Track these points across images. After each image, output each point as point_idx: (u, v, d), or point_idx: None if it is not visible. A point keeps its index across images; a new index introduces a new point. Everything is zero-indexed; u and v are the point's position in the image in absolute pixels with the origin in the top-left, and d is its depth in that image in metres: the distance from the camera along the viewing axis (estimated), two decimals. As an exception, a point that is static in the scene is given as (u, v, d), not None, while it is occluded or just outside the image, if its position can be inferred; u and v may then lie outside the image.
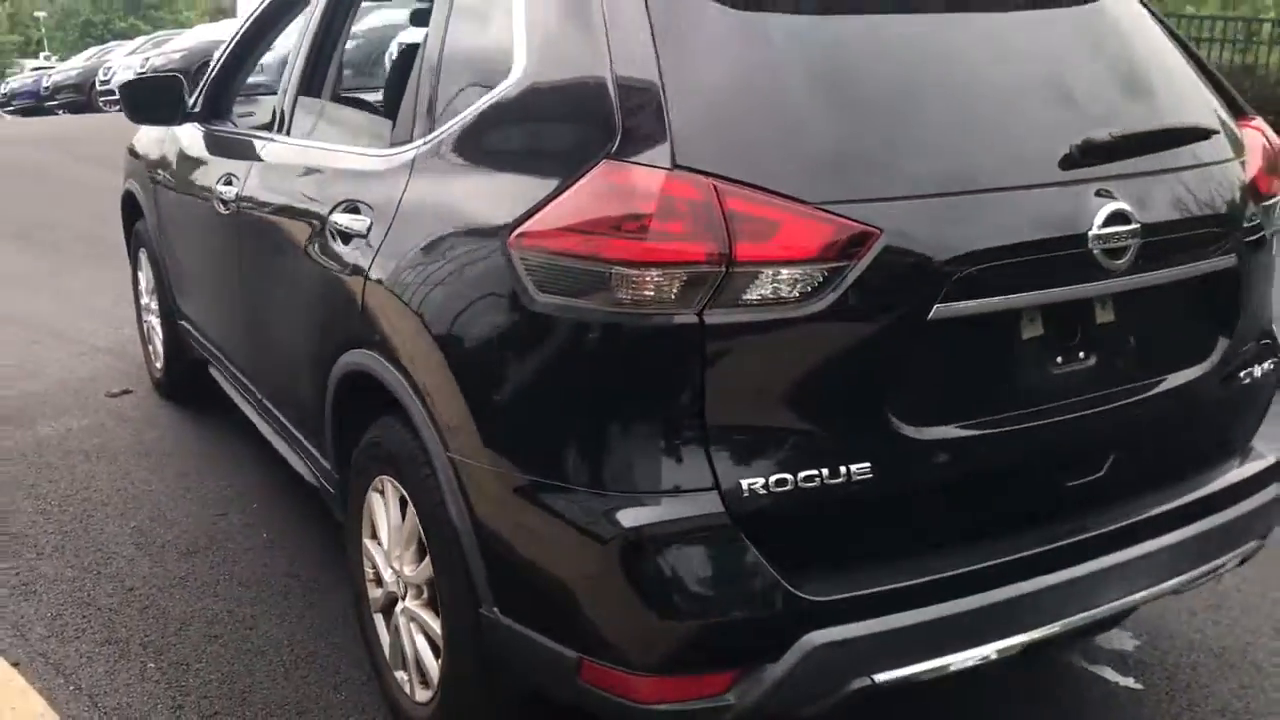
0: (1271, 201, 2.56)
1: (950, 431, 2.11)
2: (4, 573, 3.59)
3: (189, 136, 4.23)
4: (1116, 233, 2.16)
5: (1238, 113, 2.63)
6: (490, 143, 2.36)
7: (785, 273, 1.94)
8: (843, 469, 2.02)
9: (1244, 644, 3.16)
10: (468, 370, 2.25)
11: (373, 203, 2.67)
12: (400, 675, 2.73)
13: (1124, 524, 2.30)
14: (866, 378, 2.03)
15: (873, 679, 2.05)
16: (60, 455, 4.53)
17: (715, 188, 1.93)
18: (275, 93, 3.63)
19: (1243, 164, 2.49)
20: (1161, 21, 2.66)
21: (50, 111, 23.45)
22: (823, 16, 2.18)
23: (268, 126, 3.61)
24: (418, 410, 2.38)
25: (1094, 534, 2.26)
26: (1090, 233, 2.14)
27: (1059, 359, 2.24)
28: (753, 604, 1.99)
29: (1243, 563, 2.61)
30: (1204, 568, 2.44)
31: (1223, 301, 2.48)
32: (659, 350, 1.96)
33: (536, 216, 2.07)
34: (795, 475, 2.00)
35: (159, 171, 4.59)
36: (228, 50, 4.17)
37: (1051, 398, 2.23)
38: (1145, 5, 2.64)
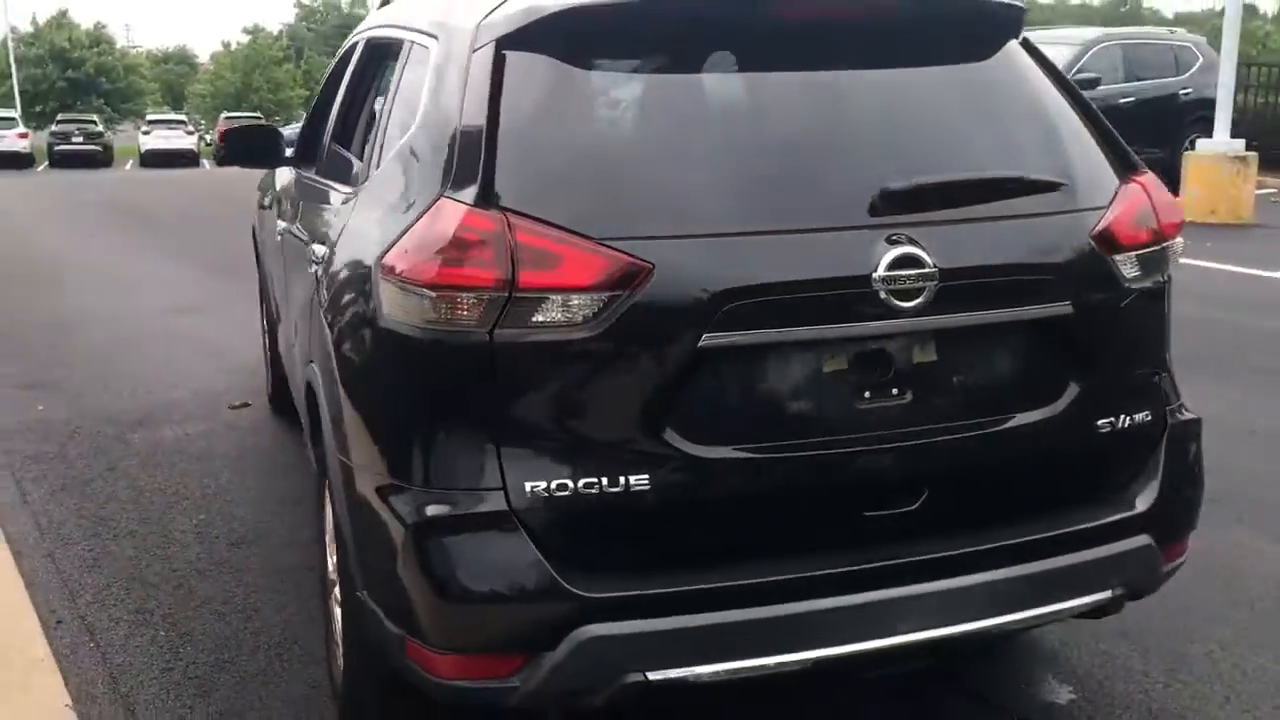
0: (1144, 251, 2.58)
1: (732, 452, 2.27)
2: (82, 547, 4.17)
3: (281, 179, 4.80)
4: (904, 275, 2.27)
5: (1128, 167, 2.67)
6: (387, 183, 2.71)
7: (566, 299, 2.18)
8: (621, 479, 2.22)
9: (1186, 709, 3.08)
10: (349, 382, 2.59)
11: (329, 235, 3.06)
12: (336, 651, 3.06)
13: (936, 556, 2.37)
14: (645, 397, 2.23)
15: (646, 676, 2.23)
16: (169, 455, 5.16)
17: (508, 222, 2.20)
18: None
19: (1100, 215, 2.53)
20: (1060, 80, 2.73)
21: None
22: (635, 76, 2.43)
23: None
24: (325, 418, 2.73)
25: (898, 563, 2.34)
26: (875, 275, 2.26)
27: (866, 393, 2.35)
28: (528, 595, 2.21)
29: (1102, 614, 2.62)
30: (1036, 610, 2.47)
31: (1069, 348, 2.52)
32: (459, 365, 2.23)
33: (393, 247, 2.38)
34: (576, 482, 2.21)
35: (261, 209, 5.23)
36: (315, 101, 4.71)
37: (856, 429, 2.33)
38: (1040, 64, 2.72)
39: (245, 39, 70.42)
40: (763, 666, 2.28)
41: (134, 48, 73.06)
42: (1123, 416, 2.58)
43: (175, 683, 3.25)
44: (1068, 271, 2.48)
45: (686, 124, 2.40)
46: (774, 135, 2.43)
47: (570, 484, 2.21)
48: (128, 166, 36.50)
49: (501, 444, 2.23)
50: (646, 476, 2.23)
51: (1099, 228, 2.52)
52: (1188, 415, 2.77)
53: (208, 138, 43.74)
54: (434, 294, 2.21)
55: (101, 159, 36.48)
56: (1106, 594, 2.55)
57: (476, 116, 2.32)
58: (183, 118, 45.75)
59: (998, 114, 2.61)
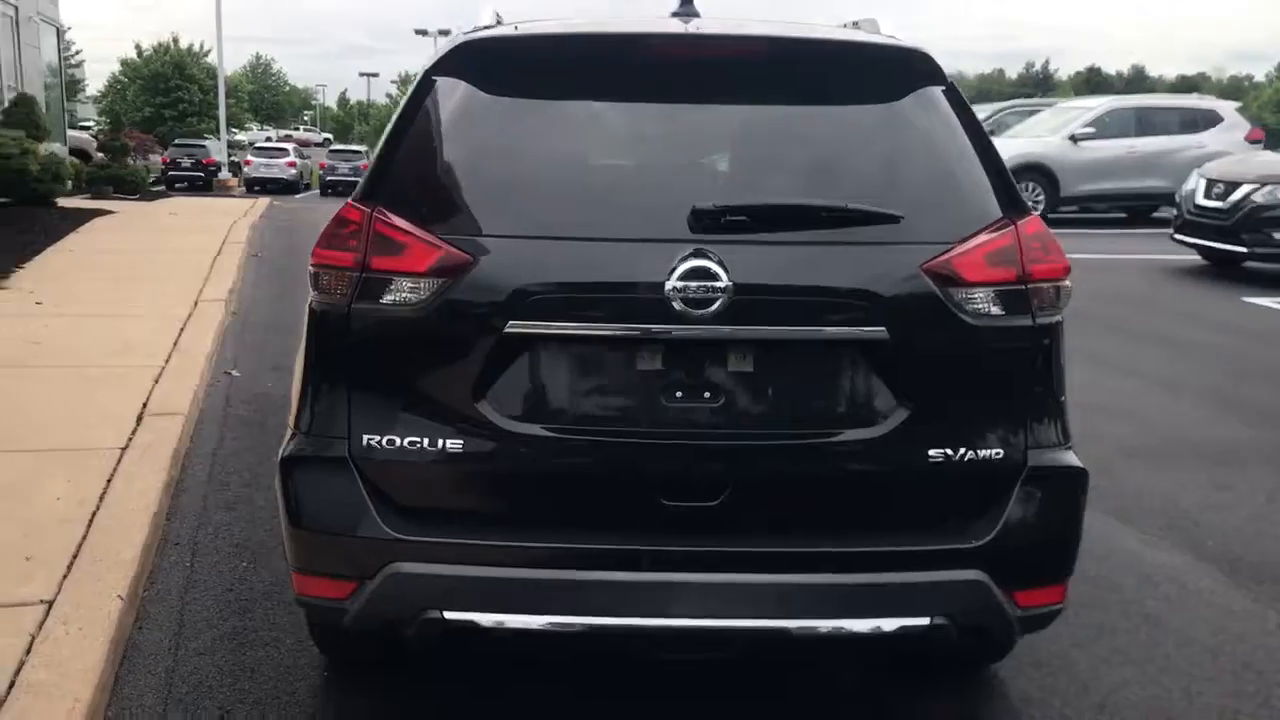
0: (999, 289, 2.60)
1: (540, 430, 2.57)
2: (232, 493, 4.98)
3: None
4: (696, 286, 2.47)
5: (1013, 211, 2.68)
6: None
7: (406, 282, 2.60)
8: (440, 442, 2.59)
9: None
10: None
11: None
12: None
13: (725, 551, 2.54)
14: (464, 372, 2.59)
15: (442, 614, 2.58)
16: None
17: (371, 215, 2.63)
18: None
19: (940, 249, 2.58)
20: (965, 126, 2.75)
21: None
22: (500, 103, 2.78)
23: None
24: None
25: (684, 551, 2.54)
26: (667, 283, 2.48)
27: (678, 393, 2.56)
28: (354, 529, 2.63)
29: (926, 641, 2.62)
30: (831, 621, 2.56)
31: (895, 374, 2.58)
32: (330, 332, 2.70)
33: None
34: (403, 439, 2.61)
35: None
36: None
37: (662, 424, 2.56)
38: (954, 109, 2.77)
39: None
40: (541, 625, 2.56)
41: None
42: (962, 450, 2.61)
43: (227, 602, 3.87)
44: (887, 299, 2.56)
45: (537, 146, 2.75)
46: (612, 158, 2.75)
47: (399, 440, 2.61)
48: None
49: (351, 401, 2.67)
50: (461, 442, 2.59)
51: (933, 261, 2.58)
52: (1064, 463, 2.72)
53: None
54: (315, 270, 2.69)
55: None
56: (924, 621, 2.58)
57: (392, 134, 2.80)
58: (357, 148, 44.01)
59: (856, 150, 2.74)
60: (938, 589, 2.58)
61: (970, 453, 2.62)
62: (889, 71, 2.82)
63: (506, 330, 2.55)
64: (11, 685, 3.01)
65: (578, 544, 2.56)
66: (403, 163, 2.75)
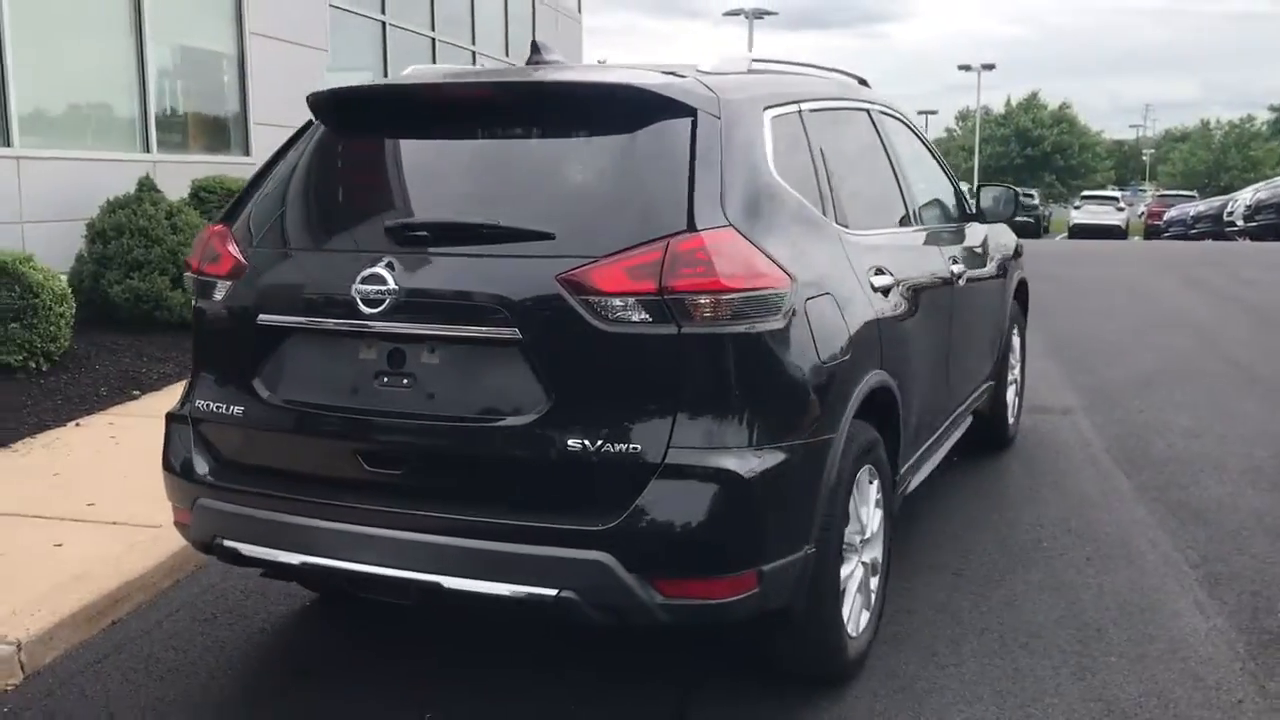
0: (639, 299, 2.81)
1: (283, 402, 3.19)
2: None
3: None
4: (371, 289, 2.99)
5: (688, 230, 2.88)
6: None
7: (217, 283, 3.32)
8: (231, 408, 3.26)
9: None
10: None
11: None
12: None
13: (404, 513, 2.99)
14: (246, 353, 3.26)
15: (224, 542, 3.24)
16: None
17: (215, 232, 3.36)
18: None
19: (581, 262, 2.85)
20: (696, 149, 3.04)
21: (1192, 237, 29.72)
22: (321, 141, 3.45)
23: None
24: None
25: (376, 509, 3.02)
26: (353, 285, 3.03)
27: (385, 379, 3.08)
28: (184, 471, 3.34)
29: (561, 612, 2.87)
30: (476, 582, 2.91)
31: (538, 371, 2.91)
32: (196, 322, 3.43)
33: None
34: (212, 404, 3.30)
35: None
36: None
37: (370, 404, 3.08)
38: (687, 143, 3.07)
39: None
40: (274, 558, 3.19)
41: (1099, 131, 74.94)
42: (599, 442, 2.83)
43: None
44: (519, 304, 2.90)
45: (322, 174, 3.44)
46: (365, 182, 3.38)
47: (212, 404, 3.31)
48: (1057, 238, 37.14)
49: (196, 374, 3.40)
50: (242, 409, 3.24)
51: (570, 273, 2.85)
52: (711, 464, 2.83)
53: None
54: (190, 274, 3.46)
55: (1031, 229, 34.99)
56: (551, 592, 2.84)
57: (262, 166, 3.52)
58: (1115, 194, 45.19)
59: (558, 177, 3.12)
60: (563, 564, 2.83)
61: (606, 445, 2.83)
62: (614, 108, 3.10)
63: (259, 321, 3.21)
64: None
65: (311, 497, 3.12)
66: (251, 188, 3.45)
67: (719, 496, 2.85)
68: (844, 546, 3.36)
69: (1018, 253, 6.14)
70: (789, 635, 3.30)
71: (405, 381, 3.07)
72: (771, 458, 2.94)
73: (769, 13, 38.16)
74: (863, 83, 4.77)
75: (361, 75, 15.14)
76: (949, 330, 4.57)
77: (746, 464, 2.88)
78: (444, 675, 3.62)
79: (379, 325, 3.04)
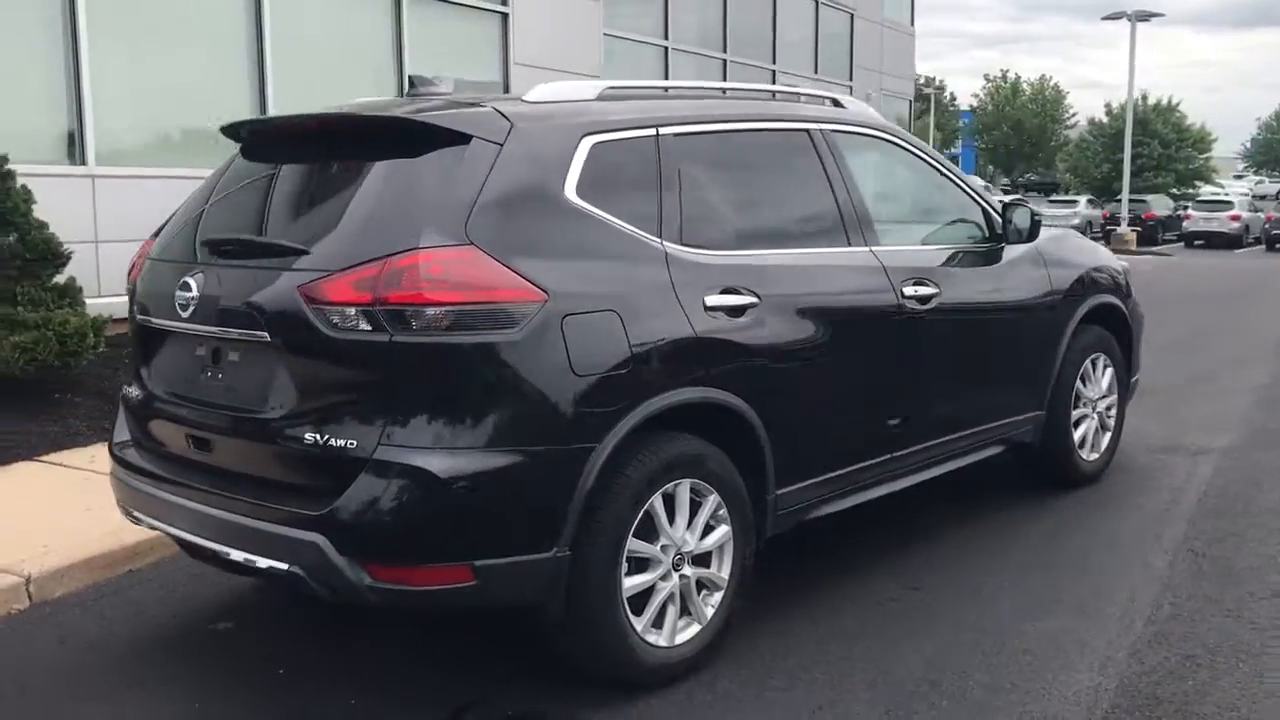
0: (362, 309, 3.11)
1: (155, 390, 3.78)
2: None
3: None
4: (184, 295, 3.51)
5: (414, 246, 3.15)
6: None
7: (133, 286, 3.95)
8: (133, 393, 3.89)
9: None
10: None
11: None
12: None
13: (202, 489, 3.49)
14: (137, 346, 3.90)
15: (131, 510, 3.86)
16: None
17: (145, 244, 4.02)
18: None
19: (317, 275, 3.20)
20: (462, 174, 3.31)
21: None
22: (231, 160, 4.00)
23: None
24: None
25: (196, 486, 3.52)
26: (174, 293, 3.54)
27: (209, 373, 3.57)
28: (114, 442, 4.00)
29: (296, 582, 3.25)
30: (236, 551, 3.38)
31: (286, 370, 3.30)
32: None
33: None
34: (127, 389, 3.96)
35: None
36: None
37: (198, 394, 3.61)
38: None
39: None
40: (153, 525, 3.77)
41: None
42: (325, 436, 3.18)
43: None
44: (270, 311, 3.30)
45: (202, 193, 3.96)
46: (217, 201, 3.85)
47: (127, 389, 3.99)
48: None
49: (131, 362, 4.06)
50: (137, 394, 3.87)
51: (307, 285, 3.19)
52: (410, 462, 3.08)
53: None
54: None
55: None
56: (285, 566, 3.23)
57: None
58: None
59: (338, 199, 3.48)
60: (292, 543, 3.19)
61: (331, 439, 3.17)
62: (400, 137, 3.42)
63: (138, 321, 3.83)
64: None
65: (165, 473, 3.68)
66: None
67: (416, 492, 3.10)
68: (632, 556, 3.46)
69: (1096, 278, 5.68)
70: (567, 636, 3.46)
71: (220, 376, 3.56)
72: (484, 460, 3.14)
73: (1155, 14, 35.31)
74: (836, 103, 4.72)
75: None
76: (902, 356, 4.43)
77: (447, 464, 3.10)
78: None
79: (189, 328, 3.57)
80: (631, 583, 3.49)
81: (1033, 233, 5.07)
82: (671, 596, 3.62)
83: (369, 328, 3.12)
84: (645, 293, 3.52)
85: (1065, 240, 5.73)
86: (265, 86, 9.58)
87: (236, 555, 3.39)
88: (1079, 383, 5.55)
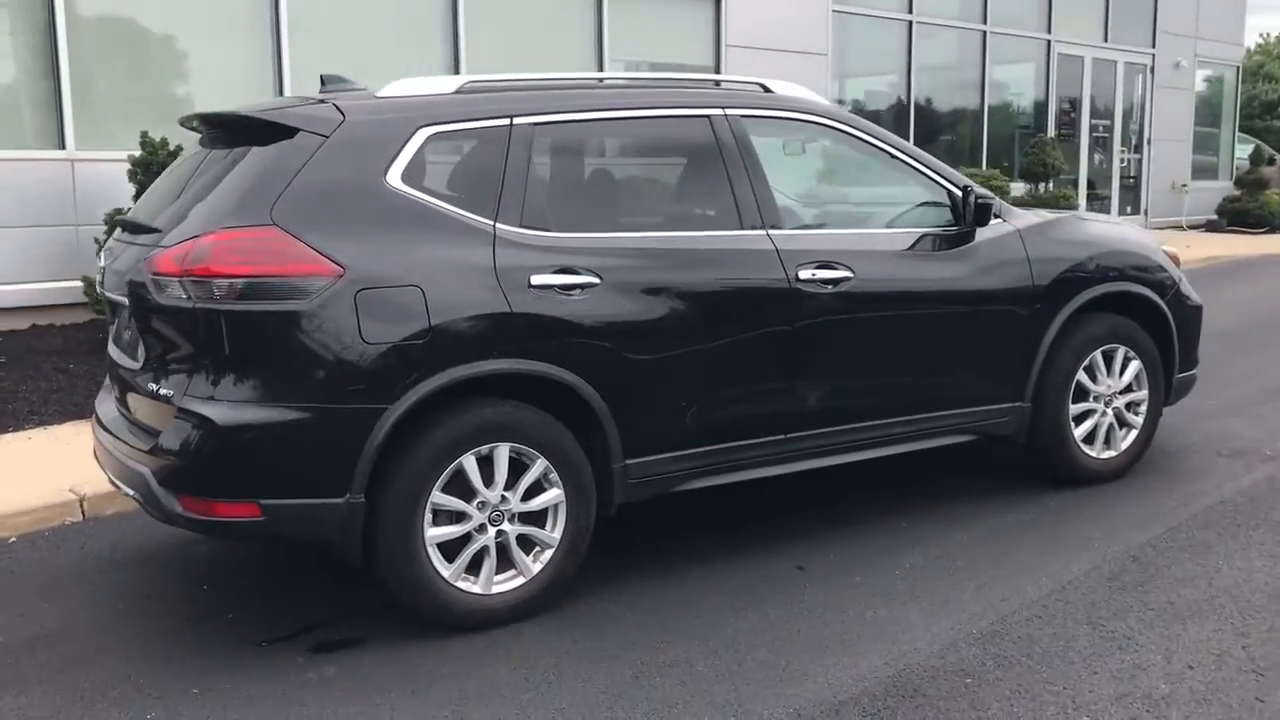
0: (174, 279, 3.68)
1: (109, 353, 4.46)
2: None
3: None
4: (101, 266, 4.19)
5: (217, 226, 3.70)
6: None
7: None
8: (108, 358, 4.65)
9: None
10: None
11: None
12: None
13: (122, 437, 4.09)
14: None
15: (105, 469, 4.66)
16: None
17: None
18: None
19: (159, 251, 3.77)
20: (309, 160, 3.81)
21: None
22: None
23: None
24: None
25: (121, 438, 4.09)
26: (99, 265, 4.25)
27: (126, 336, 4.15)
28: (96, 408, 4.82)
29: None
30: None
31: (144, 331, 3.92)
32: None
33: None
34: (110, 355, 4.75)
35: None
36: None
37: (121, 356, 4.20)
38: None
39: None
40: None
41: None
42: (158, 388, 3.82)
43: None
44: (131, 281, 3.91)
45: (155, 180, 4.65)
46: (150, 189, 4.56)
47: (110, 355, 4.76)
48: None
49: None
50: (108, 358, 4.63)
51: (148, 259, 3.83)
52: (197, 410, 3.63)
53: None
54: None
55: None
56: (132, 493, 3.93)
57: None
58: None
59: (218, 186, 3.89)
60: (134, 474, 3.85)
61: (161, 389, 3.79)
62: (251, 132, 3.95)
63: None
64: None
65: (113, 431, 4.28)
66: None
67: (205, 437, 3.65)
68: (441, 508, 3.86)
69: (1104, 265, 5.34)
70: (374, 574, 3.91)
71: (124, 337, 4.23)
72: (266, 413, 3.65)
73: None
74: (765, 89, 4.79)
75: (882, 79, 15.56)
76: (799, 338, 4.47)
77: (229, 414, 3.64)
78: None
79: (105, 294, 4.31)
80: (438, 532, 3.87)
81: (979, 218, 4.88)
82: (487, 549, 3.97)
83: (182, 295, 3.71)
84: (459, 271, 3.86)
85: (1056, 225, 5.41)
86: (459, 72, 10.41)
87: (123, 488, 4.06)
88: (1083, 376, 5.26)
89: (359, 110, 3.97)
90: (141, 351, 3.97)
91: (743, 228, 4.45)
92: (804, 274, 4.47)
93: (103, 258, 4.54)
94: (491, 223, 3.98)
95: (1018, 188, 16.00)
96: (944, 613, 4.06)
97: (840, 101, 14.19)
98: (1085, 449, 5.35)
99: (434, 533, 3.87)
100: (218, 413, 3.65)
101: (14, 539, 5.12)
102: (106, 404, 4.50)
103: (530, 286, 3.95)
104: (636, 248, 4.24)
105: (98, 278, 4.69)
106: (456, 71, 10.44)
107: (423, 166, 3.95)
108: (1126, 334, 5.39)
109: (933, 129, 16.17)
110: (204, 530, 3.88)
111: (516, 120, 4.13)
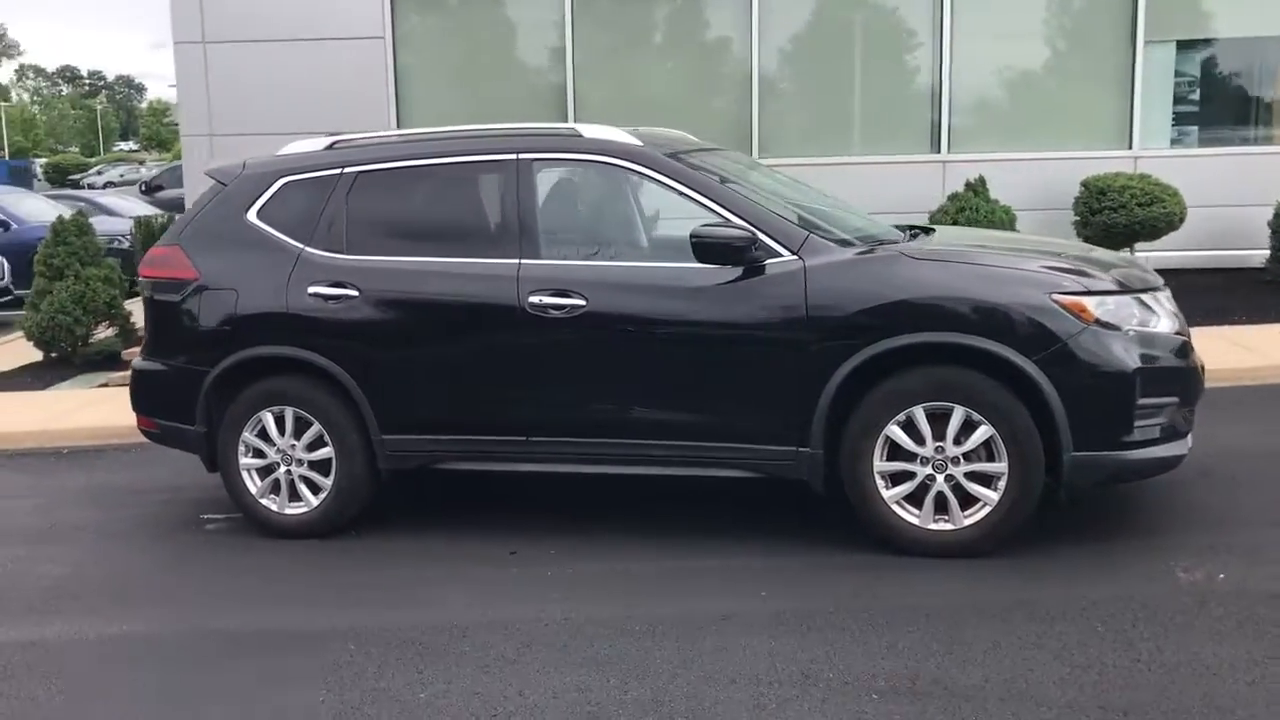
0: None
1: None
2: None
3: None
4: None
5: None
6: None
7: None
8: None
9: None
10: None
11: None
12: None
13: None
14: None
15: None
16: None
17: None
18: None
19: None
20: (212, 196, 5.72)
21: None
22: None
23: None
24: None
25: None
26: None
27: None
28: None
29: None
30: None
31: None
32: None
33: None
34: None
35: None
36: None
37: None
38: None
39: None
40: None
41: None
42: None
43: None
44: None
45: None
46: None
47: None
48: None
49: None
50: None
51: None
52: (135, 363, 5.71)
53: None
54: None
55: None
56: None
57: None
58: None
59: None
60: None
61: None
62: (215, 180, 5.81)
63: None
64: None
65: None
66: None
67: (133, 378, 5.95)
68: (252, 446, 5.58)
69: (931, 312, 4.71)
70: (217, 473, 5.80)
71: None
72: (151, 364, 5.82)
73: None
74: (574, 134, 5.39)
75: None
76: (529, 356, 5.15)
77: (140, 364, 5.91)
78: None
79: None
80: (251, 462, 5.63)
81: (699, 256, 4.83)
82: (278, 482, 5.60)
83: (146, 289, 5.97)
84: (265, 280, 5.51)
85: (863, 266, 4.84)
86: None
87: None
88: (898, 431, 4.74)
89: (255, 164, 5.82)
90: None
91: (496, 256, 5.24)
92: (534, 299, 5.10)
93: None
94: (301, 246, 5.52)
95: None
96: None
97: None
98: (904, 514, 4.80)
99: (250, 462, 5.62)
100: (137, 363, 5.97)
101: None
102: None
103: (308, 294, 5.43)
104: (395, 268, 5.38)
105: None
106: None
107: (273, 206, 5.63)
108: (967, 393, 4.67)
109: None
110: (145, 436, 6.15)
111: (346, 169, 5.57)
